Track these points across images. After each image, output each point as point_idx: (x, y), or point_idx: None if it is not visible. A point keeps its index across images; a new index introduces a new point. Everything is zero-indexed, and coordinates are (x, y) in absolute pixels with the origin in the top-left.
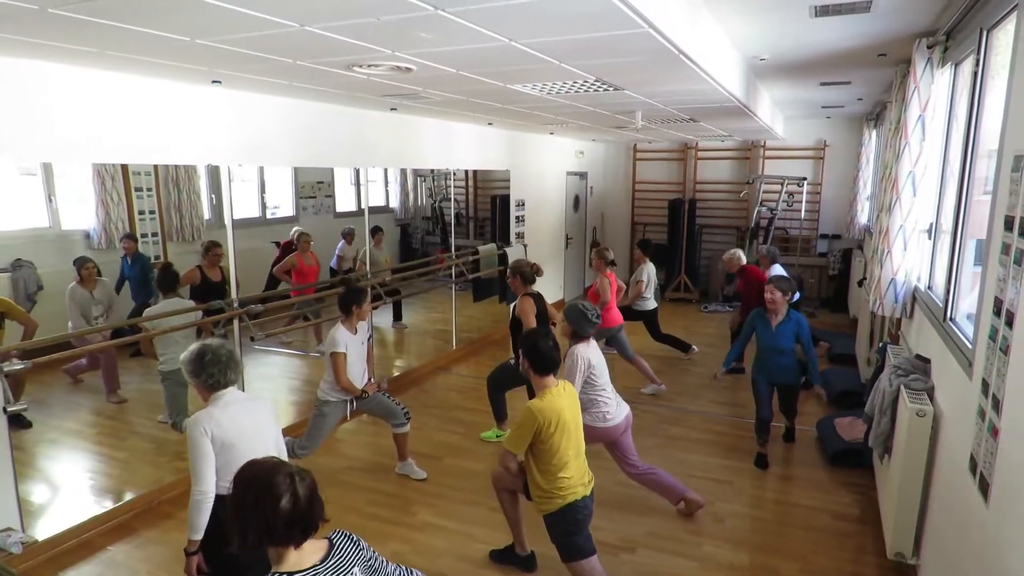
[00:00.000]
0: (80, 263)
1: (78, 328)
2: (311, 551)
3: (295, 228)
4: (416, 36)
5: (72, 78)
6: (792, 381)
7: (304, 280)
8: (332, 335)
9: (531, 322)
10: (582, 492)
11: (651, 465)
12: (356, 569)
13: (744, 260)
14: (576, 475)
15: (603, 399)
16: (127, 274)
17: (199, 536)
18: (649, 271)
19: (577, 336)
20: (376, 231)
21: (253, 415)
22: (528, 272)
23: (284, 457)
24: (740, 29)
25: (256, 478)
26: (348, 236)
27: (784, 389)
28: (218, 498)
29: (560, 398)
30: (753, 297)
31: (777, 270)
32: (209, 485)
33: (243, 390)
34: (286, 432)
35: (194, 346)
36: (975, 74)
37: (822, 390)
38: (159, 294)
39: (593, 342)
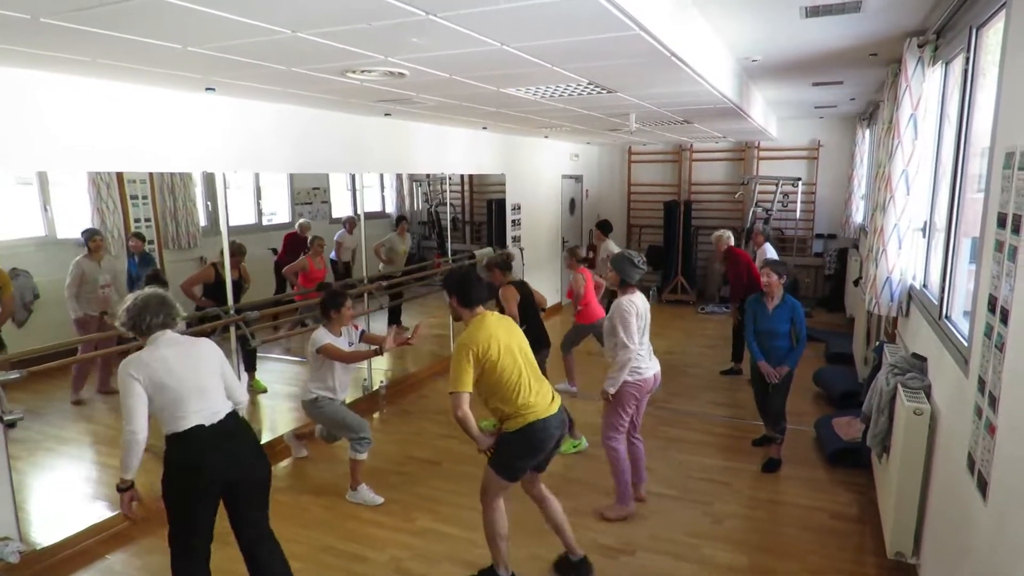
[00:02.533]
0: (89, 235)
1: (81, 310)
2: None
3: (302, 219)
4: (408, 41)
5: (66, 87)
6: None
7: (310, 284)
8: (314, 336)
9: (512, 309)
10: (545, 412)
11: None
12: None
13: (732, 241)
14: (538, 395)
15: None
16: (135, 274)
17: (131, 476)
18: (610, 248)
19: (625, 284)
20: (401, 220)
21: (190, 356)
22: (503, 260)
23: (237, 391)
24: (731, 30)
25: None
26: (349, 224)
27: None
28: (172, 437)
29: (489, 319)
30: (742, 277)
31: (769, 250)
32: (139, 425)
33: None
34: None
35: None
36: (965, 72)
37: (774, 370)
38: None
39: (639, 292)
